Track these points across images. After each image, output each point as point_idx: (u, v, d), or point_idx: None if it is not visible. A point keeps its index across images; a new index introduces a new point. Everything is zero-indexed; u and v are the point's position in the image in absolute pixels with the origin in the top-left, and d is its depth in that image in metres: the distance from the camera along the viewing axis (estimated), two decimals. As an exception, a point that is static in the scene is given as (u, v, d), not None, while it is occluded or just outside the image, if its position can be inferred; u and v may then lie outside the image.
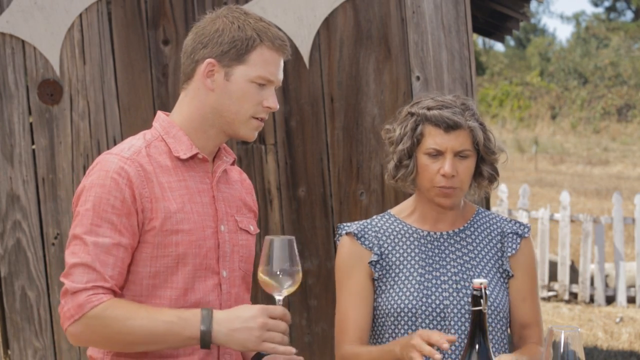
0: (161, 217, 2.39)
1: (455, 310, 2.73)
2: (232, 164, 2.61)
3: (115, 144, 4.33)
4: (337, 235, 2.87)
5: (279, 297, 2.36)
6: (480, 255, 2.82)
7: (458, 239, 2.83)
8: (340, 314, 2.82)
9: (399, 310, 2.74)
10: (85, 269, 2.34)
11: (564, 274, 10.19)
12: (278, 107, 2.49)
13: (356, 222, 2.88)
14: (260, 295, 4.19)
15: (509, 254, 2.83)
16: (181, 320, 2.31)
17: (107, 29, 4.35)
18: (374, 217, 2.91)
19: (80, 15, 4.34)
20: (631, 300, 10.09)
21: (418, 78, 4.35)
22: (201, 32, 2.46)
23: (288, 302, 4.28)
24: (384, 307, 2.76)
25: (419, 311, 2.72)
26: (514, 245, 2.84)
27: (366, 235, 2.83)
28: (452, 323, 2.73)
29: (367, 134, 4.38)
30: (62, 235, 4.35)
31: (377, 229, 2.85)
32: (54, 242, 4.36)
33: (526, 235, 2.87)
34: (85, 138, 4.35)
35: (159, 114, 2.55)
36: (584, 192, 17.45)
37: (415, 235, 2.83)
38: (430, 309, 2.72)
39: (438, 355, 2.41)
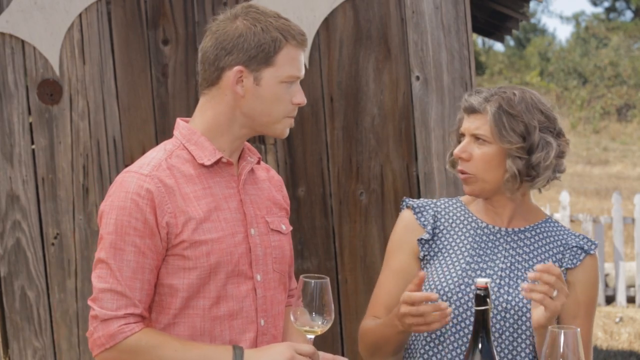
0: (189, 229, 2.36)
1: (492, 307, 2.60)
2: (257, 163, 2.55)
3: (115, 143, 4.33)
4: (401, 209, 2.83)
5: (310, 336, 2.35)
6: (533, 260, 2.70)
7: (516, 238, 2.73)
8: (376, 288, 2.79)
9: (435, 292, 2.63)
10: (114, 295, 2.33)
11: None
12: (306, 101, 2.50)
13: (422, 199, 2.83)
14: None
15: (568, 267, 2.69)
16: (212, 352, 2.33)
17: (106, 29, 4.35)
18: (443, 198, 2.85)
19: (80, 15, 4.33)
20: (631, 300, 10.09)
21: (418, 78, 4.34)
22: (222, 37, 2.39)
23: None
24: (422, 288, 2.62)
25: (455, 297, 2.62)
26: (575, 260, 2.70)
27: (424, 212, 2.77)
28: None
29: (367, 134, 4.38)
30: (62, 235, 4.35)
31: (438, 209, 2.78)
32: (54, 242, 4.35)
33: (591, 252, 2.72)
34: (85, 138, 4.35)
35: (179, 121, 2.49)
36: (584, 192, 17.45)
37: (473, 224, 2.75)
38: (466, 298, 2.62)
39: (434, 295, 2.42)
